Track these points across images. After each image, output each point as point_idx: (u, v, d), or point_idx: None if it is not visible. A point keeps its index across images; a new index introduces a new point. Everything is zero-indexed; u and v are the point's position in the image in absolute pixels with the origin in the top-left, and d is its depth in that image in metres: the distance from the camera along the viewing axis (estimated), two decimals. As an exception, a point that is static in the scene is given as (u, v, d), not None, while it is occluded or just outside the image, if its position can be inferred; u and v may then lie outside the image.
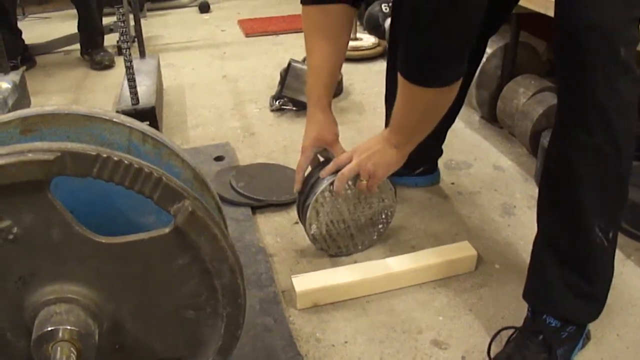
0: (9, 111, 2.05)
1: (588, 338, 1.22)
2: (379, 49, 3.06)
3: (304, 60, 2.45)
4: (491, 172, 1.92)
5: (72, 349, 0.75)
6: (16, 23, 3.02)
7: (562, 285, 1.13)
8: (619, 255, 1.47)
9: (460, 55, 1.12)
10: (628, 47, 0.98)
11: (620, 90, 0.99)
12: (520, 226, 1.62)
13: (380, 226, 1.53)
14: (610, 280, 1.16)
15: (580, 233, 1.09)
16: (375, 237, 1.54)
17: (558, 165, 1.09)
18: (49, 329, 0.75)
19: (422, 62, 1.13)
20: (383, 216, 1.52)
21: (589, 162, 1.04)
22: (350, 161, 1.37)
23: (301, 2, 1.41)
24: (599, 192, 1.06)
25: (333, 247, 1.49)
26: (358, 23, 3.30)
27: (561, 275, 1.13)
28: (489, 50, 2.09)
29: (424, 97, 1.19)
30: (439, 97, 1.20)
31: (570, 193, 1.07)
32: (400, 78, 1.18)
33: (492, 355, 1.17)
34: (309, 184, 1.45)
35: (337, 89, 2.56)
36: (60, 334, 0.75)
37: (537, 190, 1.19)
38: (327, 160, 1.46)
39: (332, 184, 1.39)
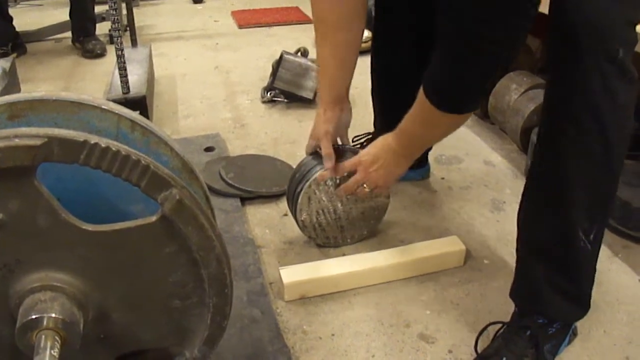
0: (-2, 98, 2.04)
1: (575, 334, 1.22)
2: (372, 42, 3.04)
3: (296, 52, 2.44)
4: (482, 168, 1.92)
5: (56, 337, 0.74)
6: (7, 10, 2.99)
7: (548, 287, 1.13)
8: (607, 252, 1.48)
9: (487, 84, 1.12)
10: (626, 48, 0.96)
11: (616, 91, 0.97)
12: (510, 222, 1.62)
13: (371, 221, 1.53)
14: (593, 281, 1.16)
15: (564, 234, 1.08)
16: (365, 232, 1.54)
17: (546, 165, 1.08)
18: (34, 316, 0.74)
19: (456, 91, 1.11)
20: (375, 212, 1.51)
21: (578, 162, 1.03)
22: (354, 168, 1.36)
23: None
24: (587, 192, 1.05)
25: (321, 236, 1.49)
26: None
27: (546, 277, 1.13)
28: (481, 46, 2.09)
29: (444, 121, 1.17)
30: (459, 120, 1.19)
31: (558, 192, 1.06)
32: (423, 98, 1.14)
33: (479, 350, 1.18)
34: (303, 170, 1.44)
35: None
36: (44, 322, 0.74)
37: (527, 187, 1.19)
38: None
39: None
